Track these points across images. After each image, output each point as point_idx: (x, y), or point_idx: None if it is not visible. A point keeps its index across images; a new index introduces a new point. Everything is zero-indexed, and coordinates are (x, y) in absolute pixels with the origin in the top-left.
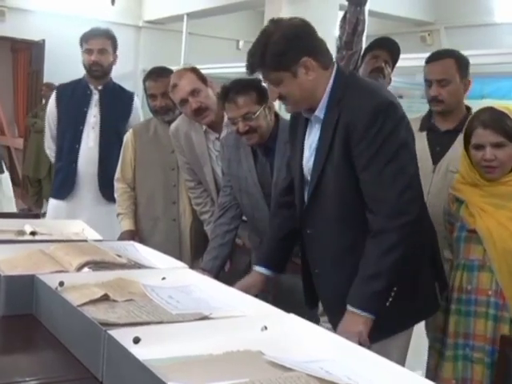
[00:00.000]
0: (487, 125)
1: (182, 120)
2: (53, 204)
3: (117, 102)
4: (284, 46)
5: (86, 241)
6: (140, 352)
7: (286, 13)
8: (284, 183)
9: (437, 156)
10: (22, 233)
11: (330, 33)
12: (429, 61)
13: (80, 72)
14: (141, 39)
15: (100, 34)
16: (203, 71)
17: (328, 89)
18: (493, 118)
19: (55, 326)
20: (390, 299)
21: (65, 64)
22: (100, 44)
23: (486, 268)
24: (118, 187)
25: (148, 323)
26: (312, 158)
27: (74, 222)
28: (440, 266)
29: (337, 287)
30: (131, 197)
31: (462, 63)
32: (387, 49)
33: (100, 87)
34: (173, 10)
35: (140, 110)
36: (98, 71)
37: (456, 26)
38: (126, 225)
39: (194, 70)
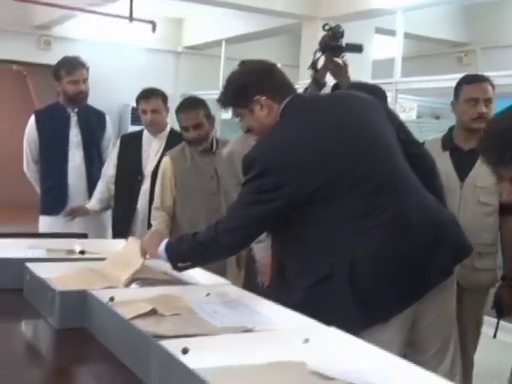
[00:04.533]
0: None
1: (235, 144)
2: (45, 221)
3: (92, 121)
4: (238, 86)
5: None
6: (188, 362)
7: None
8: None
9: (463, 173)
10: (71, 252)
11: (362, 58)
12: (473, 81)
13: (121, 96)
14: (180, 64)
15: (81, 66)
16: None
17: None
18: None
19: (107, 338)
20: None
21: (107, 89)
22: (83, 75)
23: None
24: (157, 215)
25: (194, 335)
26: None
27: (121, 241)
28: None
29: None
30: (169, 226)
31: (494, 89)
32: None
33: (76, 110)
34: (211, 35)
35: (111, 127)
36: (83, 99)
37: (492, 47)
38: None
39: None
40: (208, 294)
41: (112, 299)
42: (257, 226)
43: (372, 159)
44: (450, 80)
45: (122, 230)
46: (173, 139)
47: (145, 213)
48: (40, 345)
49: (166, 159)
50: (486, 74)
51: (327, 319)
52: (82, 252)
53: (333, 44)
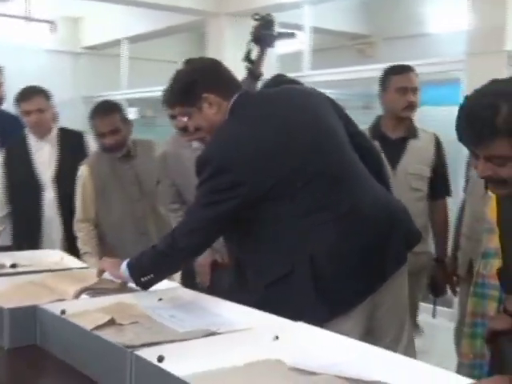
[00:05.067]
0: None
1: (168, 144)
2: None
3: (7, 127)
4: (186, 84)
5: (70, 269)
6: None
7: (227, 33)
8: None
9: (393, 161)
10: (1, 266)
11: (270, 50)
12: (401, 72)
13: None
14: (79, 66)
15: None
16: (142, 94)
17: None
18: None
19: (66, 353)
20: (144, 279)
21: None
22: None
23: (499, 255)
24: (82, 227)
25: (159, 343)
26: None
27: (51, 251)
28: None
29: None
30: (96, 235)
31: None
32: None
33: None
34: (111, 34)
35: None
36: None
37: (392, 38)
38: (96, 263)
39: None
40: (160, 299)
41: (63, 312)
42: (214, 226)
43: (323, 154)
44: (352, 72)
45: (28, 243)
46: (65, 139)
47: (54, 223)
48: None
49: (84, 169)
50: (387, 65)
51: (289, 316)
52: (13, 265)
53: (266, 33)
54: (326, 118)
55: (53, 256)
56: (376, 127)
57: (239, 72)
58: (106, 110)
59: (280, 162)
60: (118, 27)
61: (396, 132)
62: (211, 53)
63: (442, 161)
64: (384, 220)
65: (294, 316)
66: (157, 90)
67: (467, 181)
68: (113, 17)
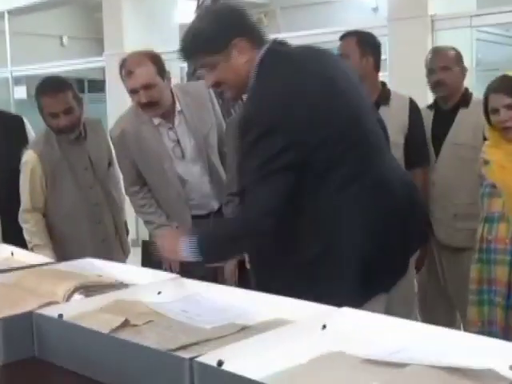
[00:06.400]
0: (498, 89)
1: (126, 121)
2: None
3: None
4: (214, 29)
5: (41, 265)
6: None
7: (125, 4)
8: None
9: None
10: None
11: (169, 23)
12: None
13: None
14: None
15: None
16: (26, 72)
17: (252, 74)
18: (503, 83)
19: (79, 363)
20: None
21: None
22: None
23: (504, 219)
24: (29, 216)
25: (194, 344)
26: None
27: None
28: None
29: None
30: (46, 226)
31: (362, 40)
32: None
33: None
34: None
35: None
36: None
37: (291, 6)
38: (50, 255)
39: (155, 60)
40: (160, 293)
41: (61, 317)
42: (286, 197)
43: (363, 120)
44: None
45: None
46: (2, 123)
47: None
48: None
49: (31, 154)
50: (286, 34)
51: (323, 297)
52: None
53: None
54: (357, 85)
55: (1, 251)
56: None
57: (146, 39)
58: (57, 88)
59: (328, 122)
60: None
61: None
62: (109, 25)
63: (418, 127)
64: (407, 195)
65: (331, 296)
66: (46, 67)
67: None
68: None
